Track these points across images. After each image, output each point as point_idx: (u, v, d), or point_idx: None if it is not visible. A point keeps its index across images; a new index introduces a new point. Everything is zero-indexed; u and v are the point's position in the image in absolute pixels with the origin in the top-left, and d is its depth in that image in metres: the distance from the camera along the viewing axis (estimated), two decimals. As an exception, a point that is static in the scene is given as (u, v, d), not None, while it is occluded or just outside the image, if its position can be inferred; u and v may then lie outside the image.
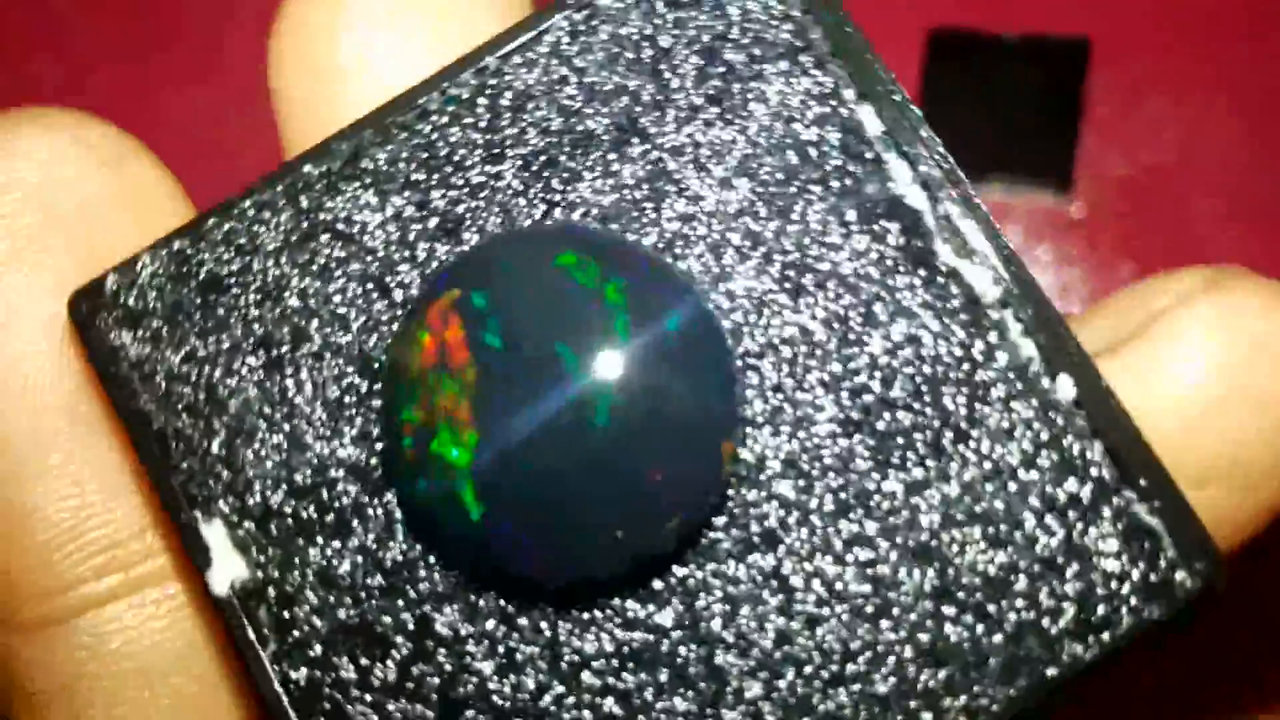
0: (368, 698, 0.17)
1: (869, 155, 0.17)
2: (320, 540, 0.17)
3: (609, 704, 0.17)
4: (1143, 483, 0.16)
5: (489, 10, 0.19)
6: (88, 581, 0.18)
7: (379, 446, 0.17)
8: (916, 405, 0.17)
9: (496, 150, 0.18)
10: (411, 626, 0.17)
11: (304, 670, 0.17)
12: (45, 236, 0.18)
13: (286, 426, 0.17)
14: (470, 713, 0.17)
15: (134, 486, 0.19)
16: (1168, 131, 0.33)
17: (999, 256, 0.17)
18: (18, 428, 0.18)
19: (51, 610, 0.18)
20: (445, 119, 0.18)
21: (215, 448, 0.17)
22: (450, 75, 0.18)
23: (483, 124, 0.18)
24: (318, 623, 0.17)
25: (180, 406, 0.18)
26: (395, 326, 0.17)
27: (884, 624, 0.16)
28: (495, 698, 0.17)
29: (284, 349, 0.18)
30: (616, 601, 0.17)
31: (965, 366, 0.17)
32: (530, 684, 0.17)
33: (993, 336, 0.17)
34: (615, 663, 0.17)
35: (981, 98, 0.46)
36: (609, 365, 0.15)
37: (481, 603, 0.17)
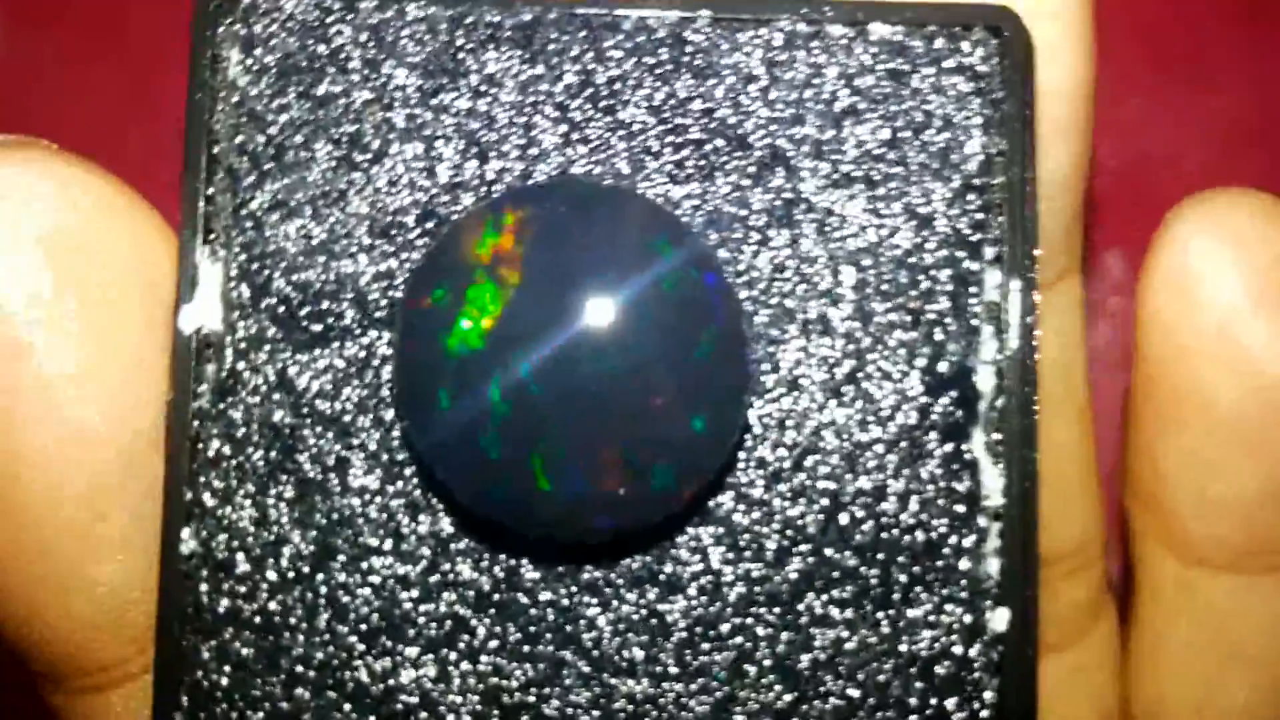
0: (248, 489, 0.17)
1: (971, 320, 0.17)
2: (297, 342, 0.17)
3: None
4: None
5: None
6: (130, 659, 0.18)
7: (392, 292, 0.17)
8: (867, 555, 0.17)
9: (656, 103, 0.17)
10: (331, 464, 0.17)
11: (216, 444, 0.17)
12: (83, 288, 0.17)
13: (328, 225, 0.17)
14: (340, 554, 0.17)
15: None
16: (1157, 124, 0.33)
17: (1020, 473, 0.17)
18: (53, 533, 0.17)
19: (98, 680, 0.18)
20: (630, 44, 0.17)
21: (255, 201, 0.17)
22: (655, 4, 0.17)
23: (658, 70, 0.17)
24: (253, 407, 0.17)
25: (245, 146, 0.17)
26: (471, 196, 0.17)
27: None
28: (362, 559, 0.17)
29: (366, 156, 0.17)
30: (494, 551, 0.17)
31: (930, 553, 0.17)
32: (390, 549, 0.17)
33: (969, 541, 0.17)
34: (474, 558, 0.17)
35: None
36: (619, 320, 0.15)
37: (399, 480, 0.17)
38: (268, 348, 0.17)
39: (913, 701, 0.17)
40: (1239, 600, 0.20)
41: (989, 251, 0.17)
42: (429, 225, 0.17)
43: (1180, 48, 0.32)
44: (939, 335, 0.17)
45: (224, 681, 0.17)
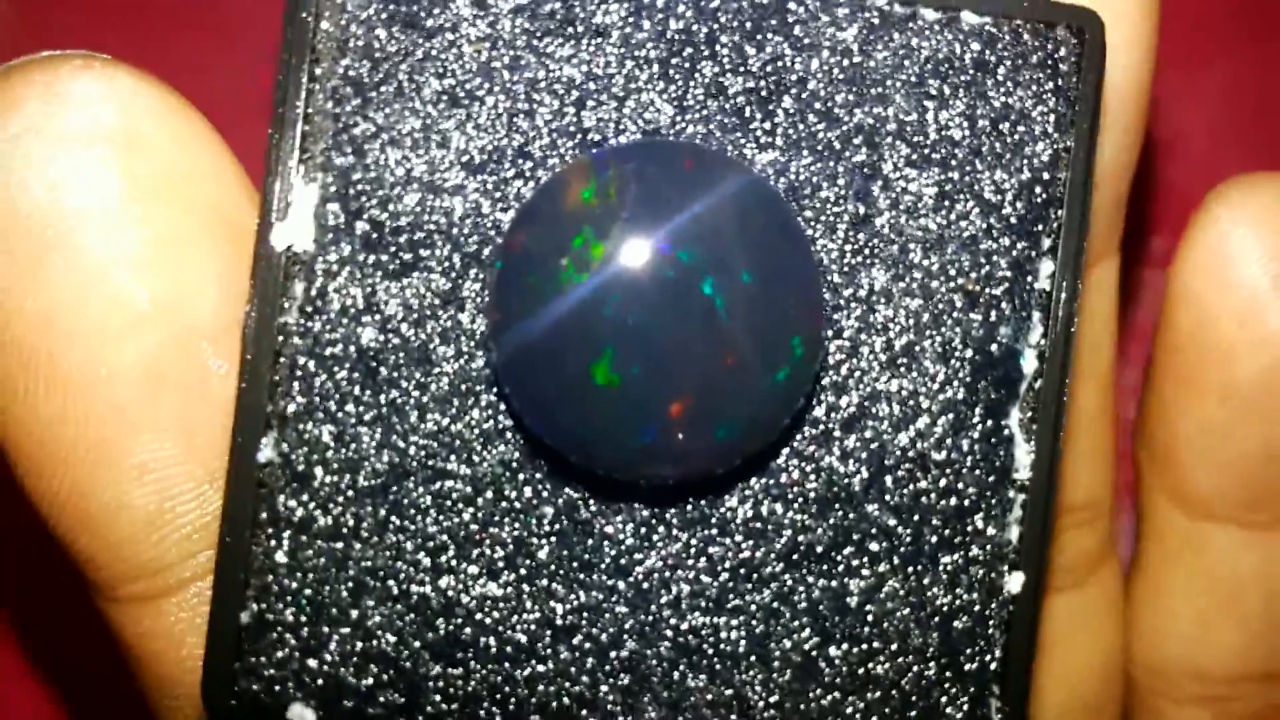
0: (330, 405, 0.18)
1: (1023, 306, 0.18)
2: (387, 268, 0.18)
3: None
4: (1009, 690, 0.18)
5: None
6: (175, 565, 0.19)
7: (484, 229, 0.18)
8: (903, 515, 0.18)
9: (754, 69, 0.18)
10: (412, 388, 0.18)
11: (301, 360, 0.18)
12: (134, 194, 0.18)
13: (426, 158, 0.18)
14: (414, 475, 0.18)
15: (217, 469, 0.19)
16: (1161, 107, 0.34)
17: (1050, 451, 0.18)
18: (102, 410, 0.18)
19: (144, 589, 0.19)
20: (734, 6, 0.18)
21: (357, 127, 0.18)
22: None
23: (758, 37, 0.18)
24: (339, 327, 0.18)
25: (350, 71, 0.18)
26: (568, 142, 0.18)
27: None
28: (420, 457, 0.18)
29: (469, 94, 0.18)
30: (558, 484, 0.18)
31: (959, 517, 0.18)
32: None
33: (996, 509, 0.18)
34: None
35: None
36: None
37: (475, 409, 0.18)
38: (357, 271, 0.18)
39: (930, 650, 0.18)
40: (1237, 552, 0.22)
41: (1046, 243, 0.18)
42: (525, 167, 0.18)
43: (1177, 27, 0.33)
44: (993, 317, 0.18)
45: (293, 585, 0.18)
